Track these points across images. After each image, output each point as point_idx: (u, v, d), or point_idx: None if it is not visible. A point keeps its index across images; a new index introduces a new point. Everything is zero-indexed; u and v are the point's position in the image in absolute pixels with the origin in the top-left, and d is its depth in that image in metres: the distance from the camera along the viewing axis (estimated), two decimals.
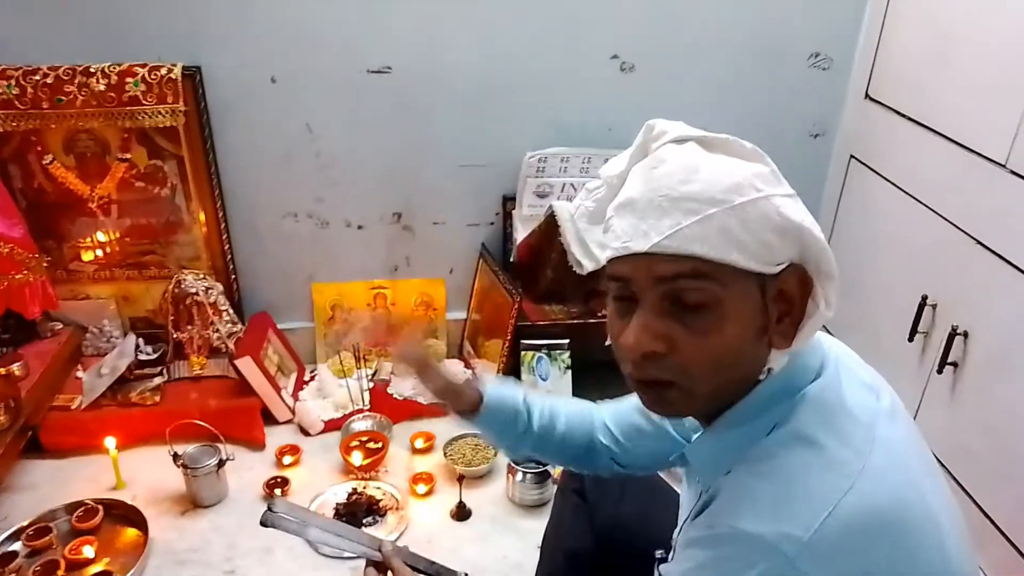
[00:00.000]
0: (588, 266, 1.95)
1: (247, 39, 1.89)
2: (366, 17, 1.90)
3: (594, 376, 1.99)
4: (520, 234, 2.11)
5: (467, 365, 2.28)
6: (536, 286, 2.08)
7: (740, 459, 0.75)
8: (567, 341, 2.01)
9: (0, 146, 1.89)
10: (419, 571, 1.05)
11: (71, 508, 1.72)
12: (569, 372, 1.98)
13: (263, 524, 0.99)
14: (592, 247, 1.89)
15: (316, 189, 2.10)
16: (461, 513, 1.76)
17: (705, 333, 0.71)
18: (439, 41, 1.95)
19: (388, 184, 2.12)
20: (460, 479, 1.78)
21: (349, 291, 2.24)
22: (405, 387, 2.17)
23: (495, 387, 1.09)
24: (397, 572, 1.02)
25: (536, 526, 1.55)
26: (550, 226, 1.99)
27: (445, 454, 1.89)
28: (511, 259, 2.16)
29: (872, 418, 0.75)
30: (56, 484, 1.84)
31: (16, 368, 1.83)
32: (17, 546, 1.64)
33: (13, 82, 1.80)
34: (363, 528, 1.70)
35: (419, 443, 1.96)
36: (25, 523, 1.67)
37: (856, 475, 0.69)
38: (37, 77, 1.80)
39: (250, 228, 2.12)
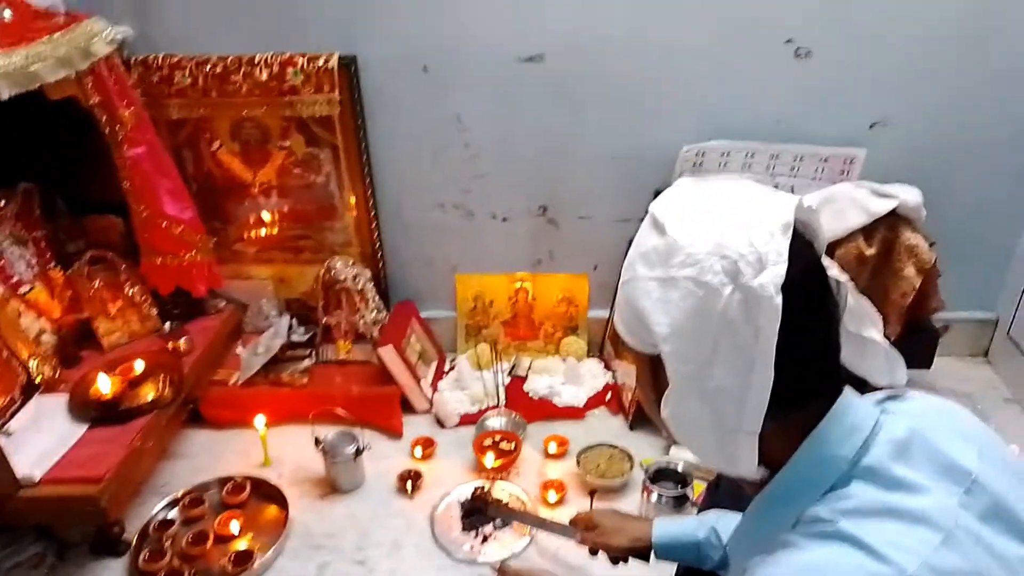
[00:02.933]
0: None
1: (401, 28, 1.87)
2: (521, 4, 1.83)
3: None
4: None
5: (607, 366, 2.19)
6: None
7: (761, 549, 0.69)
8: None
9: (175, 133, 2.00)
10: None
11: (222, 482, 1.82)
12: None
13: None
14: None
15: (463, 180, 2.07)
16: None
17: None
18: (594, 27, 1.85)
19: (535, 176, 2.06)
20: (592, 492, 1.71)
21: (491, 283, 2.21)
22: (541, 385, 2.12)
23: (664, 530, 1.19)
24: None
25: None
26: None
27: (578, 462, 1.82)
28: None
29: (946, 513, 0.64)
30: (211, 455, 1.96)
31: (182, 343, 1.95)
32: (174, 514, 1.76)
33: (187, 72, 1.89)
34: (493, 531, 1.68)
35: (552, 447, 1.91)
36: (181, 493, 1.79)
37: None
38: (208, 67, 1.89)
39: (398, 217, 2.14)
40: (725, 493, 1.19)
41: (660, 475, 1.72)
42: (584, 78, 1.91)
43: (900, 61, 1.84)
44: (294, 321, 2.19)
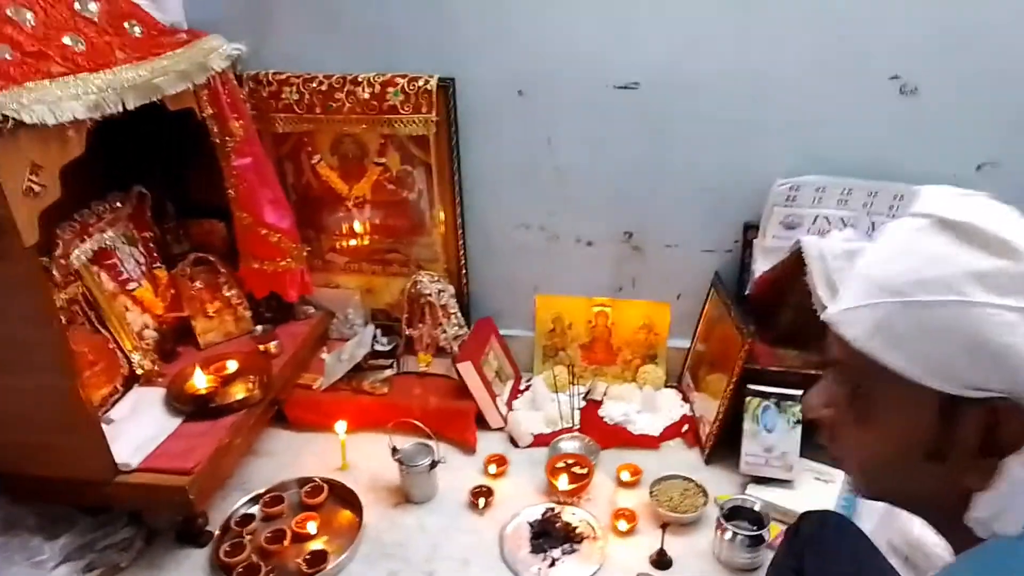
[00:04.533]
0: None
1: (499, 52, 1.92)
2: (619, 32, 1.84)
3: None
4: (760, 266, 1.95)
5: (685, 398, 2.16)
6: (772, 326, 1.91)
7: None
8: (801, 393, 1.81)
9: (278, 145, 2.10)
10: None
11: (302, 482, 1.88)
12: (799, 428, 1.80)
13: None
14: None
15: (550, 203, 2.09)
16: (661, 561, 1.66)
17: (857, 423, 0.68)
18: (691, 57, 1.84)
19: (623, 202, 2.06)
20: (664, 526, 1.68)
21: (572, 306, 2.22)
22: (616, 412, 2.10)
23: None
24: None
25: None
26: (796, 262, 1.81)
27: (651, 494, 1.80)
28: (746, 292, 2.00)
29: None
30: (291, 455, 2.02)
31: (272, 346, 2.03)
32: (254, 510, 1.83)
33: (294, 88, 1.98)
34: (562, 555, 1.68)
35: (625, 475, 1.89)
36: (263, 490, 1.86)
37: None
38: (314, 84, 1.97)
39: (484, 235, 2.17)
40: (807, 542, 1.16)
41: (735, 513, 1.69)
42: (678, 107, 1.91)
43: (1013, 101, 1.77)
44: (378, 331, 2.25)
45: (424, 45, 1.93)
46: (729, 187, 1.99)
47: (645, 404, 2.11)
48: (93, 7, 1.61)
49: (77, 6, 1.57)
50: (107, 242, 1.86)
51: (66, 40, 1.51)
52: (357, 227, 2.20)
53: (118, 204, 1.92)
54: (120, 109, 1.48)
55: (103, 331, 1.83)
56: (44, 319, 1.49)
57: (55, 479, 1.65)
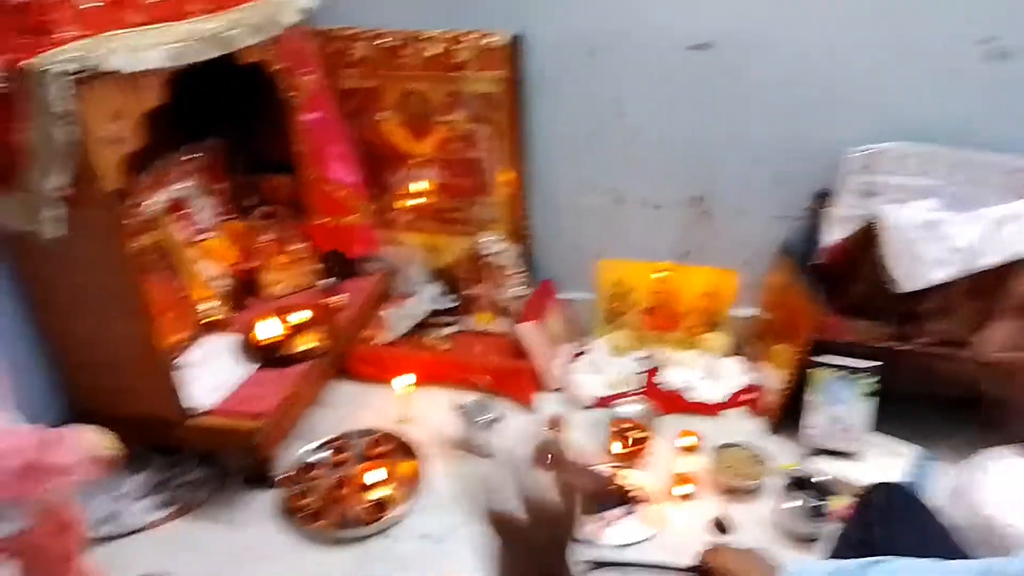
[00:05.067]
0: (908, 285, 1.70)
1: (570, 10, 1.88)
2: None
3: (901, 411, 1.75)
4: (832, 235, 1.89)
5: (749, 367, 2.12)
6: (842, 296, 1.86)
7: None
8: (873, 364, 1.76)
9: (346, 101, 2.11)
10: None
11: (364, 433, 1.92)
12: (872, 401, 1.75)
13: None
14: (924, 264, 1.63)
15: (617, 165, 2.06)
16: (721, 527, 1.65)
17: None
18: (766, 17, 1.79)
19: (692, 166, 2.02)
20: (725, 492, 1.67)
21: (635, 270, 2.19)
22: (678, 378, 2.08)
23: None
24: None
25: None
26: (870, 232, 1.76)
27: (712, 459, 1.79)
28: (817, 261, 1.94)
29: None
30: (353, 407, 2.06)
31: (339, 299, 2.07)
32: (318, 458, 1.88)
33: (362, 44, 1.99)
34: (617, 516, 1.68)
35: (685, 441, 1.88)
36: (328, 439, 1.91)
37: None
38: (382, 41, 1.97)
39: (548, 197, 2.16)
40: (877, 513, 1.13)
41: (798, 483, 1.66)
42: (751, 69, 1.86)
43: None
44: (440, 289, 2.27)
45: (493, 2, 1.91)
46: (801, 152, 1.93)
47: (707, 371, 2.09)
48: None
49: None
50: (182, 192, 1.90)
51: None
52: (421, 185, 2.21)
53: (194, 155, 1.96)
54: (199, 60, 1.50)
55: (175, 279, 1.88)
56: (121, 265, 1.54)
57: (131, 420, 1.71)
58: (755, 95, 1.89)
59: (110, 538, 1.66)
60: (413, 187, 2.22)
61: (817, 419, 1.79)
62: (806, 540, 1.61)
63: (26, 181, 1.37)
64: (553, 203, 2.16)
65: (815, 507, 1.59)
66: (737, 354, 2.18)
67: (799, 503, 1.60)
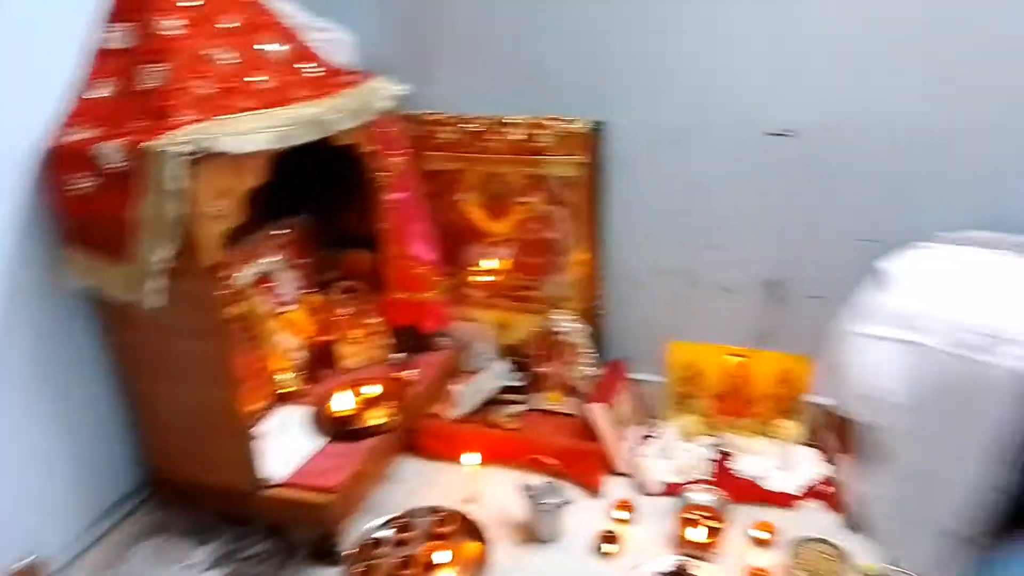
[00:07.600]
0: None
1: (650, 97, 1.94)
2: (774, 76, 1.83)
3: None
4: None
5: (826, 458, 2.06)
6: None
7: None
8: None
9: (428, 182, 2.18)
10: None
11: (431, 511, 1.91)
12: None
13: None
14: None
15: (693, 248, 2.08)
16: None
17: None
18: (851, 105, 1.81)
19: (768, 250, 2.02)
20: None
21: (706, 353, 2.17)
22: (750, 466, 2.03)
23: None
24: None
25: None
26: None
27: (791, 556, 1.72)
28: None
29: None
30: (420, 484, 2.06)
31: (411, 374, 2.09)
32: (384, 534, 1.86)
33: (451, 129, 2.07)
34: None
35: (759, 533, 1.81)
36: (394, 516, 1.89)
37: None
38: (468, 126, 2.05)
39: (622, 278, 2.17)
40: None
41: None
42: (835, 156, 1.87)
43: None
44: (510, 366, 2.28)
45: (576, 90, 1.99)
46: (884, 240, 1.90)
47: (781, 460, 2.03)
48: (277, 48, 1.74)
49: (265, 47, 1.71)
50: (269, 266, 1.98)
51: (254, 78, 1.64)
52: (496, 263, 2.25)
53: (282, 231, 2.05)
54: (301, 143, 1.59)
55: (256, 349, 1.94)
56: (214, 335, 1.60)
57: (207, 488, 1.75)
58: (838, 182, 1.89)
59: None
60: (487, 264, 2.26)
61: None
62: None
63: (134, 254, 1.45)
64: (627, 284, 2.18)
65: None
66: (811, 444, 2.12)
67: None
